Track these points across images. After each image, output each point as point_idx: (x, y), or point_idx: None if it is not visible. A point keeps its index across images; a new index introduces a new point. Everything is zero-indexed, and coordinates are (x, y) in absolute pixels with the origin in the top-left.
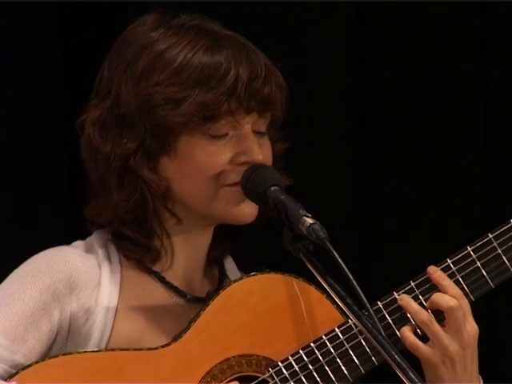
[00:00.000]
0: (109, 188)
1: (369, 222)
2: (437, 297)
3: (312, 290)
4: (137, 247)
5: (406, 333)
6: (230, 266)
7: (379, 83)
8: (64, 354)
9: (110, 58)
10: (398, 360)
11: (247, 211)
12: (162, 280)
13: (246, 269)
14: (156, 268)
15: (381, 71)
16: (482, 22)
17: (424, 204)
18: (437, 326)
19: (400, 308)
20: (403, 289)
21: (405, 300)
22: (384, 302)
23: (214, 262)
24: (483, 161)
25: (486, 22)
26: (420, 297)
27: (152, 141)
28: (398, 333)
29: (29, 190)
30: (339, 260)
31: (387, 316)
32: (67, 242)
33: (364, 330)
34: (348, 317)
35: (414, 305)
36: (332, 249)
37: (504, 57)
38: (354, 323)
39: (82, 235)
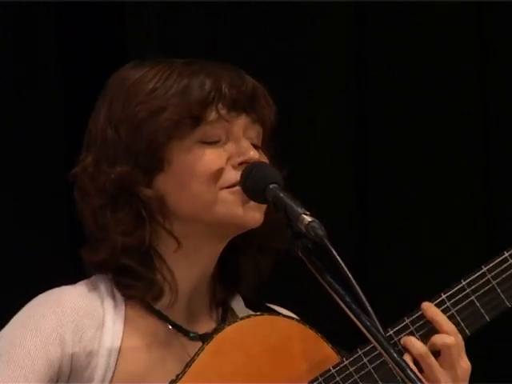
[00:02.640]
0: (104, 219)
1: (368, 221)
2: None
3: (307, 330)
4: (138, 283)
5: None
6: (238, 303)
7: (379, 83)
8: None
9: (95, 112)
10: (397, 359)
11: (252, 214)
12: (166, 319)
13: (255, 306)
14: (159, 305)
15: (381, 71)
16: (482, 21)
17: (424, 204)
18: (433, 360)
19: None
20: (398, 325)
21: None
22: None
23: (219, 303)
24: (483, 161)
25: (485, 21)
26: (415, 333)
27: (144, 159)
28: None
29: (28, 190)
30: (338, 258)
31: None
32: (67, 242)
33: (362, 328)
34: (341, 355)
35: (411, 338)
36: (331, 247)
37: (504, 56)
38: (349, 363)
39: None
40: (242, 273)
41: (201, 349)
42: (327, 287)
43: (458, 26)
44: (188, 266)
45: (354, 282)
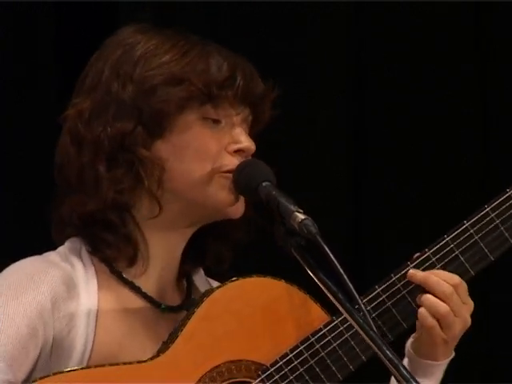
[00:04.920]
0: (96, 173)
1: (368, 221)
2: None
3: (295, 290)
4: (115, 241)
5: (421, 308)
6: (200, 277)
7: (379, 83)
8: (54, 374)
9: (95, 59)
10: (390, 355)
11: (237, 205)
12: (137, 290)
13: (217, 279)
14: (130, 273)
15: (380, 71)
16: (481, 21)
17: (423, 204)
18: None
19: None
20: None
21: (419, 274)
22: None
23: (182, 276)
24: (483, 161)
25: (484, 21)
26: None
27: (148, 122)
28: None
29: (28, 190)
30: (331, 256)
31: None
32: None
33: (356, 325)
34: (336, 313)
35: (433, 276)
36: (324, 244)
37: (503, 56)
38: (340, 321)
39: None
40: (204, 255)
41: (191, 313)
42: (320, 285)
43: (457, 26)
44: (161, 238)
45: (346, 279)
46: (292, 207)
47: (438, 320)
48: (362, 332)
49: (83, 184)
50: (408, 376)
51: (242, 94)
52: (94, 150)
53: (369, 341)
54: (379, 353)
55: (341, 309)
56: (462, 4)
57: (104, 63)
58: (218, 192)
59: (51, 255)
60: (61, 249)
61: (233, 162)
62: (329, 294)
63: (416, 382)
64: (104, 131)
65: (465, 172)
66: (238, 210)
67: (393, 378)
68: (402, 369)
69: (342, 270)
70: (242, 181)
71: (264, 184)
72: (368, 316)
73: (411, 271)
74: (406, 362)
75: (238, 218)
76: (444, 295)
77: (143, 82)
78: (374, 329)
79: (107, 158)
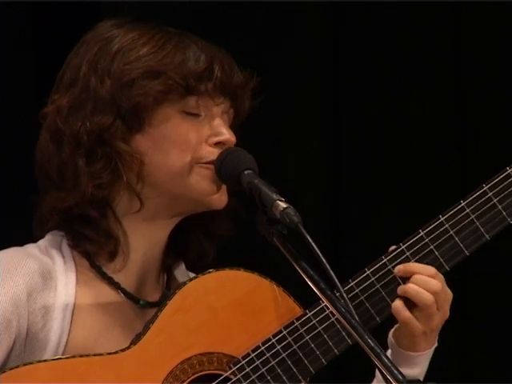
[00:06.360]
0: (73, 171)
1: (344, 208)
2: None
3: (267, 283)
4: (95, 236)
5: (396, 301)
6: (181, 271)
7: (354, 83)
8: (25, 364)
9: (73, 56)
10: (372, 344)
11: (219, 195)
12: (116, 285)
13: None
14: (110, 267)
15: (358, 66)
16: (455, 20)
17: (401, 201)
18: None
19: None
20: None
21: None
22: (358, 279)
23: (164, 270)
24: (460, 163)
25: (459, 20)
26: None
27: (127, 116)
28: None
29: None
30: (313, 244)
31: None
32: None
33: (337, 313)
34: (309, 307)
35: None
36: (305, 233)
37: (479, 55)
38: (312, 314)
39: None
40: (186, 249)
41: (163, 305)
42: (302, 273)
43: (431, 25)
44: (142, 233)
45: (328, 268)
46: (274, 196)
47: (421, 308)
48: (343, 320)
49: (63, 179)
50: (389, 364)
51: (220, 85)
52: (73, 145)
53: (350, 329)
54: (361, 342)
55: (323, 297)
56: (435, 4)
57: (81, 59)
58: (199, 182)
59: (30, 247)
60: (41, 242)
61: (213, 153)
62: (310, 283)
63: (397, 370)
64: (83, 126)
65: (441, 172)
66: (221, 200)
67: (377, 371)
68: (383, 357)
69: (324, 259)
70: (223, 168)
71: (246, 172)
72: (349, 304)
73: (398, 267)
74: (389, 352)
75: (221, 208)
76: (433, 291)
77: (121, 76)
78: (356, 317)
79: (86, 152)
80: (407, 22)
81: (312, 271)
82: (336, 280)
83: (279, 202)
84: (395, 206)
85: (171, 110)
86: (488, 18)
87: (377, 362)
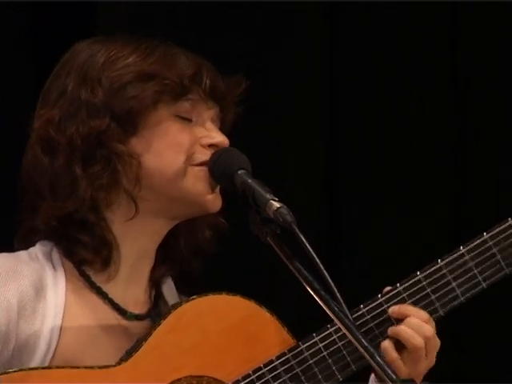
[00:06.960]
0: (69, 178)
1: (344, 208)
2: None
3: (263, 312)
4: (89, 250)
5: (386, 341)
6: (169, 288)
7: (353, 83)
8: (15, 371)
9: (55, 75)
10: (365, 344)
11: (214, 198)
12: (104, 295)
13: (187, 290)
14: (100, 277)
15: (356, 68)
16: (455, 20)
17: (401, 201)
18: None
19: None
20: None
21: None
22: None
23: (153, 283)
24: (459, 161)
25: (458, 20)
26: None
27: (121, 120)
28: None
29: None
30: (306, 244)
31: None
32: None
33: (331, 314)
34: (302, 339)
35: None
36: (299, 233)
37: (479, 55)
38: (305, 347)
39: None
40: (173, 265)
41: (157, 324)
42: (296, 273)
43: (430, 25)
44: (132, 241)
45: (322, 268)
46: (267, 195)
47: (410, 351)
48: (337, 321)
49: (56, 191)
50: (382, 363)
51: (210, 89)
52: (68, 151)
53: (344, 329)
54: (355, 342)
55: (317, 298)
56: (434, 4)
57: (66, 76)
58: (194, 184)
59: (22, 254)
60: (32, 249)
61: (206, 154)
62: (304, 283)
63: (391, 369)
64: (77, 131)
65: (439, 172)
66: (215, 202)
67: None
68: (377, 357)
69: (318, 259)
70: (217, 168)
71: (239, 172)
72: (344, 305)
73: (393, 308)
74: None
75: (215, 212)
76: (424, 336)
77: (112, 82)
78: (350, 317)
79: (83, 157)
80: (407, 22)
81: (306, 271)
82: (330, 280)
83: (273, 202)
84: (395, 206)
85: (165, 113)
86: (488, 18)
87: (371, 362)
